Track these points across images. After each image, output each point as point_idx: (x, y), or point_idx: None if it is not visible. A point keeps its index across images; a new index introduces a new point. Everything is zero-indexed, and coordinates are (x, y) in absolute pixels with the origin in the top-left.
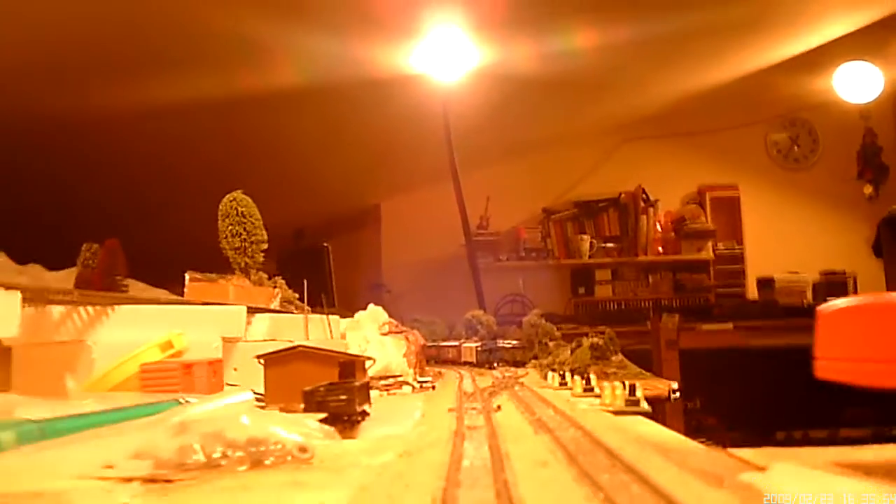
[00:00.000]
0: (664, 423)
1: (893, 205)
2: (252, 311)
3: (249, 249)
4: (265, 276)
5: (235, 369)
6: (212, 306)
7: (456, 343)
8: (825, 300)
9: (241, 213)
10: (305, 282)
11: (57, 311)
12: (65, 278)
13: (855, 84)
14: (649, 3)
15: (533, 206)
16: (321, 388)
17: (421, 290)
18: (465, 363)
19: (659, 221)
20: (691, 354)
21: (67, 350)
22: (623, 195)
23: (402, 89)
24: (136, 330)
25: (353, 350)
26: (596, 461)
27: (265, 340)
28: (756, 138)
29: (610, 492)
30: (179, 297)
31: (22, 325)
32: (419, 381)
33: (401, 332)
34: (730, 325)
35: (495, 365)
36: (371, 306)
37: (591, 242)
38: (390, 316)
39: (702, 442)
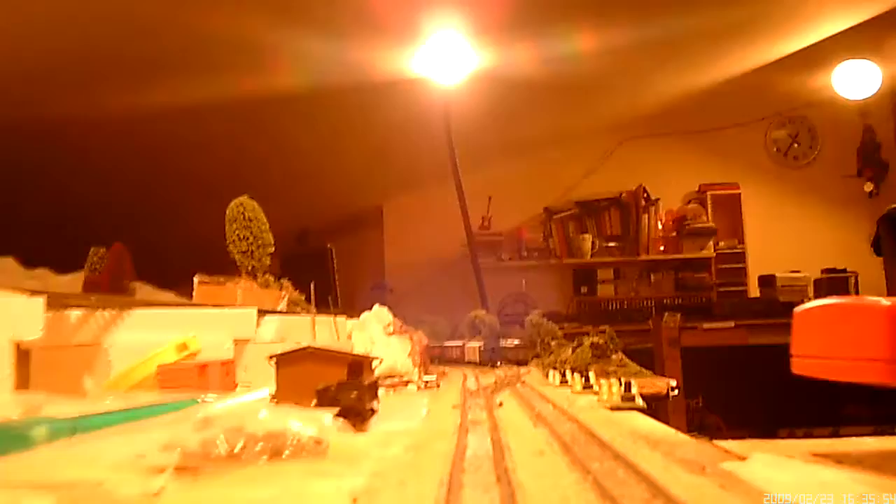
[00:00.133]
0: (666, 421)
1: (894, 202)
2: (261, 313)
3: (256, 253)
4: (272, 278)
5: (245, 369)
6: (223, 309)
7: (459, 343)
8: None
9: (248, 217)
10: (313, 284)
11: (74, 314)
12: (72, 282)
13: (854, 81)
14: (648, 3)
15: (535, 206)
16: (333, 387)
17: (424, 290)
18: (469, 362)
19: (660, 220)
20: (693, 353)
21: (85, 352)
22: (624, 194)
23: (403, 92)
24: (151, 332)
25: (359, 350)
26: (588, 451)
27: (274, 342)
28: (756, 136)
29: (598, 476)
30: (193, 301)
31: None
32: (424, 380)
33: (405, 333)
34: (731, 324)
35: (498, 364)
36: (376, 307)
37: (592, 242)
38: (394, 316)
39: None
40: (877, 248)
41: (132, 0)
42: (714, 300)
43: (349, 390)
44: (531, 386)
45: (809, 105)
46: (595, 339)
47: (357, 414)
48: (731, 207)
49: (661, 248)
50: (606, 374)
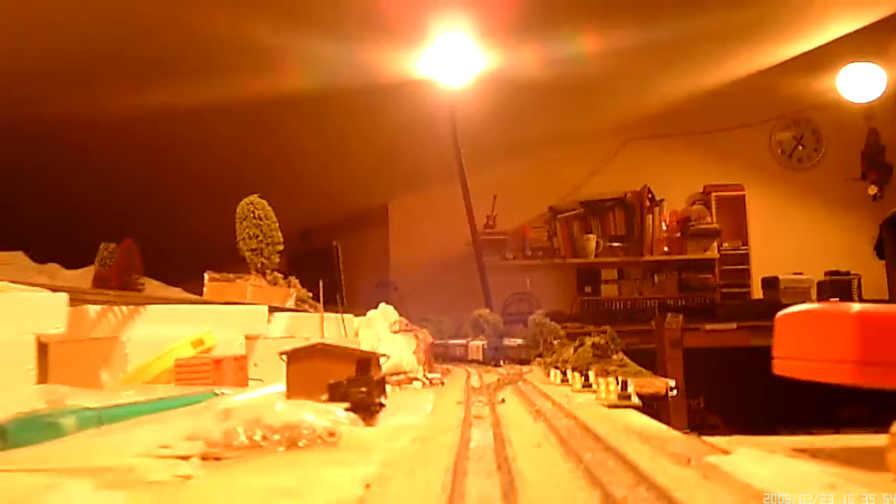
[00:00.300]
0: (668, 421)
1: None
2: (272, 310)
3: (266, 251)
4: (280, 276)
5: (256, 364)
6: (236, 306)
7: (463, 341)
8: (828, 301)
9: (258, 215)
10: (321, 282)
11: (93, 309)
12: (82, 276)
13: (858, 84)
14: (654, 5)
15: (539, 206)
16: (344, 382)
17: (428, 288)
18: (472, 361)
19: (665, 221)
20: (695, 354)
21: (103, 346)
22: (629, 195)
23: (410, 94)
24: (167, 327)
25: (365, 347)
26: (583, 444)
27: (283, 338)
28: (761, 138)
29: (590, 466)
30: (207, 298)
31: None
32: (428, 378)
33: (410, 331)
34: (733, 325)
35: (501, 362)
36: (382, 305)
37: (597, 242)
38: (399, 314)
39: (684, 432)
40: (879, 251)
41: (132, 0)
42: (717, 301)
43: (359, 386)
44: (532, 384)
45: (814, 107)
46: (596, 339)
47: (367, 408)
48: (735, 209)
49: (665, 248)
50: (607, 374)
